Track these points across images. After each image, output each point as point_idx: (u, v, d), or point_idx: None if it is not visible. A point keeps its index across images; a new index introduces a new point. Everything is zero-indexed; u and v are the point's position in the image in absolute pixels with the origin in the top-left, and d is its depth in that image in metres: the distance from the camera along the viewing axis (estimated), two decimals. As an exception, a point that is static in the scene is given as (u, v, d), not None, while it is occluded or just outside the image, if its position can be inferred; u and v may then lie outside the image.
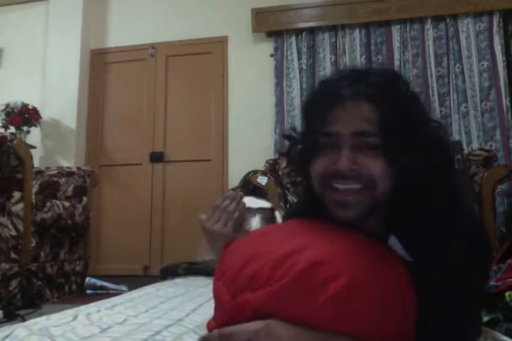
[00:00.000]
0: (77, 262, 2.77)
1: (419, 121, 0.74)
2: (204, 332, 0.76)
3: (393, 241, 0.75)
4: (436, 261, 0.69)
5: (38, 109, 3.65)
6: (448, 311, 0.67)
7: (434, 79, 3.25)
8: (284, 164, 2.85)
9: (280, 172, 2.89)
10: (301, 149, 0.82)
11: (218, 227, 0.87)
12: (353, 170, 0.71)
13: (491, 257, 0.77)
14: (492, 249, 0.81)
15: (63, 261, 2.62)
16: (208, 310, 0.81)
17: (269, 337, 0.62)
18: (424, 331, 0.67)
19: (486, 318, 1.23)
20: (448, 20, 3.30)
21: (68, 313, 1.12)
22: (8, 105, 3.54)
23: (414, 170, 0.71)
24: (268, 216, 1.65)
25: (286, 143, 0.86)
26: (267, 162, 2.97)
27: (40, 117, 3.65)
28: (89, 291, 2.89)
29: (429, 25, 3.33)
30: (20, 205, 2.20)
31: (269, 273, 0.67)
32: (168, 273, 2.72)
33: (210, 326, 0.71)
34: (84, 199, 2.87)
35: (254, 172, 2.88)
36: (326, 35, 3.52)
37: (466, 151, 2.80)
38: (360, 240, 0.73)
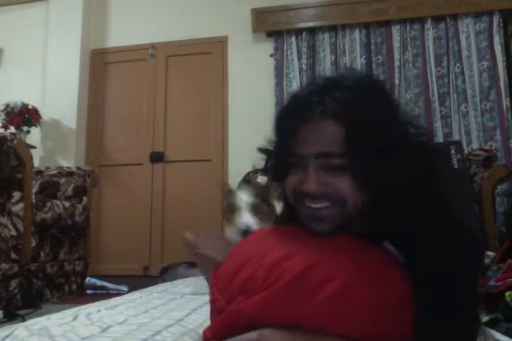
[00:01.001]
0: (77, 262, 2.77)
1: (392, 133, 0.71)
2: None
3: (385, 244, 0.75)
4: (427, 262, 0.69)
5: (38, 109, 3.65)
6: (443, 310, 0.67)
7: (434, 79, 3.25)
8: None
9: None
10: (274, 163, 0.84)
11: (213, 254, 0.86)
12: (320, 192, 0.71)
13: (482, 259, 0.77)
14: (483, 248, 0.81)
15: (63, 261, 2.62)
16: (208, 310, 0.81)
17: None
18: (422, 330, 0.67)
19: (486, 318, 1.23)
20: (448, 20, 3.30)
21: (68, 313, 1.12)
22: (8, 105, 3.53)
23: (388, 184, 0.70)
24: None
25: (263, 156, 0.87)
26: (267, 162, 2.97)
27: (40, 117, 3.65)
28: (89, 291, 2.89)
29: (429, 25, 3.33)
30: (20, 205, 2.20)
31: (264, 276, 0.67)
32: (168, 273, 2.72)
33: (206, 337, 0.71)
34: (84, 199, 2.87)
35: (255, 172, 2.87)
36: (326, 35, 3.52)
37: (466, 151, 2.79)
38: (351, 242, 0.73)
